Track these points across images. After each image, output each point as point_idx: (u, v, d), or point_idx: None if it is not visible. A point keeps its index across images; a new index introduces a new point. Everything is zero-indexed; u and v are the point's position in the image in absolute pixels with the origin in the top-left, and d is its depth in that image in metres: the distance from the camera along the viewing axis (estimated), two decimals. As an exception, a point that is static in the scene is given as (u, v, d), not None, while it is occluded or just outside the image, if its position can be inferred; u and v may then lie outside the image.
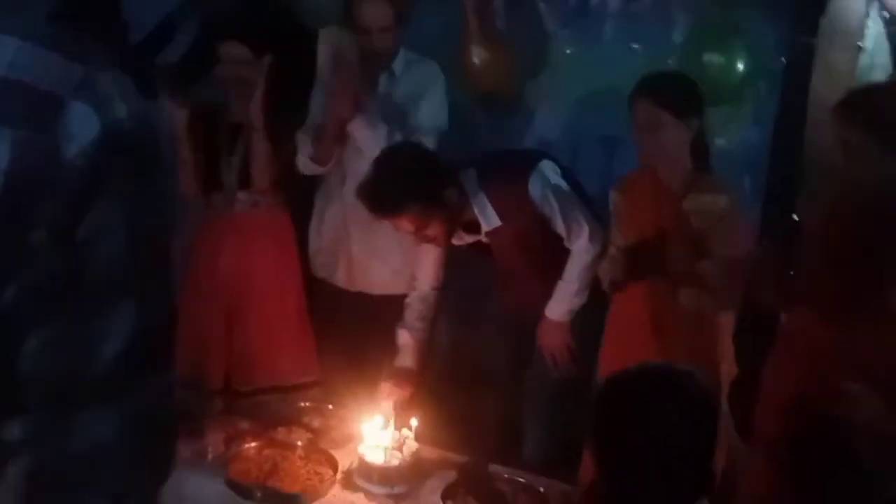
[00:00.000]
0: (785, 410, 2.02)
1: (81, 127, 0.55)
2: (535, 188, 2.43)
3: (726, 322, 2.48)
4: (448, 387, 2.74)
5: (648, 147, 2.32)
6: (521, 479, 2.19)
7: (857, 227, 1.88)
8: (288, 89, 2.71)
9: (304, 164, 2.74)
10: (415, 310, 2.63)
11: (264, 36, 2.66)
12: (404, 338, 2.60)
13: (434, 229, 2.42)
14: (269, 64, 2.60)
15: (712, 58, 2.76)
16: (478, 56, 2.92)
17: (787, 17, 2.74)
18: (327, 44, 2.66)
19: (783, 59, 2.78)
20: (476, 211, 2.46)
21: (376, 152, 2.54)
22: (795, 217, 2.78)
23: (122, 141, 0.57)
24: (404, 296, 2.68)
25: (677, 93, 2.32)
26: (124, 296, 0.59)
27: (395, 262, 2.76)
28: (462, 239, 2.58)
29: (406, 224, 2.39)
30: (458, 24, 2.95)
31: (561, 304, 2.50)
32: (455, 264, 2.66)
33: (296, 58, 2.68)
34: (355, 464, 2.17)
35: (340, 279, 2.84)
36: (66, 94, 0.55)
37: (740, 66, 2.78)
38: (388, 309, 2.71)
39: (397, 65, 2.77)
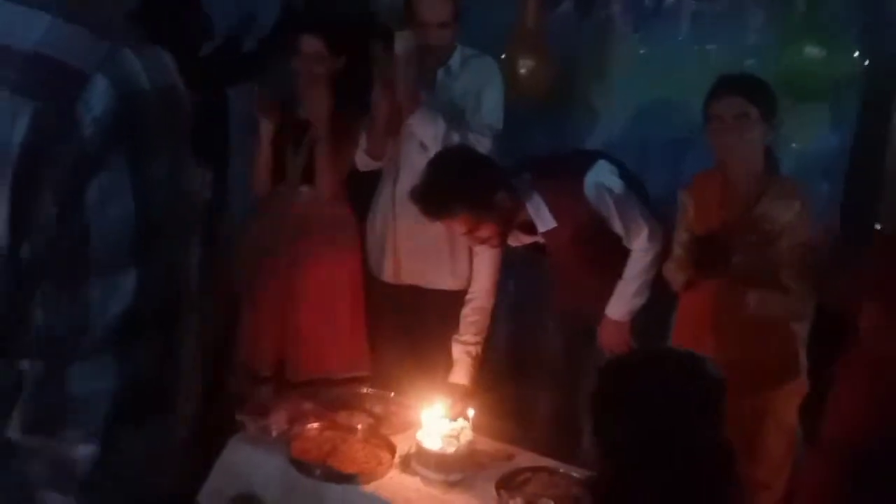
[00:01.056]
0: (856, 419, 1.97)
1: (99, 99, 0.58)
2: (590, 188, 2.43)
3: (800, 332, 2.42)
4: (506, 380, 2.76)
5: (730, 145, 2.28)
6: (574, 474, 2.19)
7: None
8: (357, 90, 2.77)
9: (360, 158, 2.80)
10: (470, 322, 2.65)
11: (342, 34, 2.73)
12: (458, 353, 2.63)
13: (486, 231, 2.44)
14: (344, 64, 2.67)
15: (795, 58, 2.71)
16: (523, 59, 2.94)
17: (872, 19, 2.66)
18: (402, 47, 2.71)
19: (866, 61, 2.70)
20: (531, 212, 2.48)
21: (436, 148, 2.60)
22: (878, 226, 2.69)
23: (139, 113, 0.60)
24: (453, 292, 2.72)
25: (762, 92, 2.29)
26: (127, 262, 0.62)
27: (442, 257, 2.77)
28: (519, 240, 2.60)
29: (458, 226, 2.44)
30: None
31: (621, 303, 2.49)
32: (515, 261, 2.68)
33: (367, 59, 2.73)
34: (413, 449, 2.21)
35: (387, 274, 2.84)
36: (89, 68, 0.58)
37: (824, 68, 2.71)
38: (437, 303, 2.75)
39: (454, 60, 2.78)
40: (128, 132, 0.60)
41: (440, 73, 2.79)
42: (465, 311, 2.67)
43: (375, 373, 2.82)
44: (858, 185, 2.80)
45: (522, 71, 2.98)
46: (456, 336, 2.66)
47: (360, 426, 2.31)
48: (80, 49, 0.59)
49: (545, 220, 2.47)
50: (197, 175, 0.66)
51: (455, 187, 2.36)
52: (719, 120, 2.28)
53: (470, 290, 2.69)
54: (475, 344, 2.64)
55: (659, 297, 2.48)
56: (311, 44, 2.69)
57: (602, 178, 2.44)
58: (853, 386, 2.02)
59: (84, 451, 0.64)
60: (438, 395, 2.39)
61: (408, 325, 2.81)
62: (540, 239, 2.55)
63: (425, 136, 2.69)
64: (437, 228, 2.58)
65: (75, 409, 0.64)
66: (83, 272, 0.61)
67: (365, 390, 2.58)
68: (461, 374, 2.62)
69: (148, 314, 0.64)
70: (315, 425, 2.32)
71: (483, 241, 2.51)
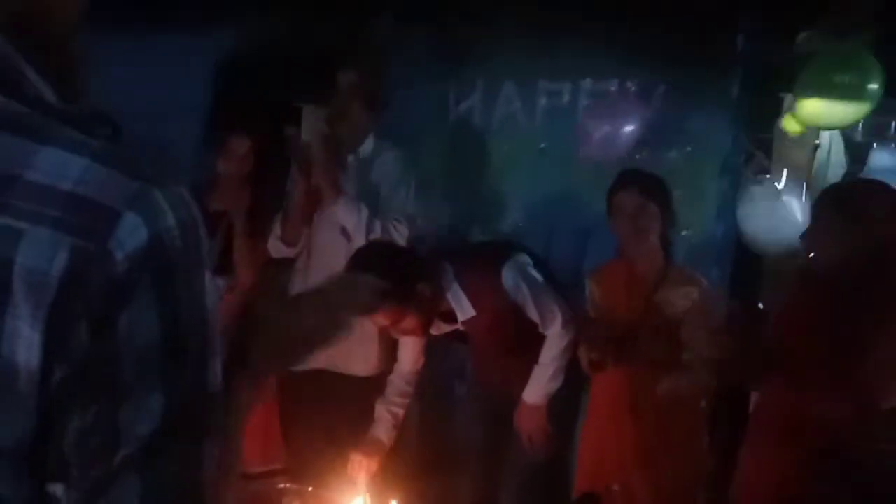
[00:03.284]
0: (766, 491, 2.06)
1: (130, 235, 0.63)
2: (507, 279, 2.51)
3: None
4: (425, 467, 2.76)
5: (631, 235, 2.44)
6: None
7: (827, 300, 2.00)
8: (272, 178, 2.79)
9: (274, 245, 2.79)
10: (395, 387, 2.68)
11: (263, 126, 2.76)
12: (380, 411, 2.65)
13: (409, 323, 2.48)
14: (257, 150, 2.69)
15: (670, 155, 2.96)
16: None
17: (745, 116, 2.94)
18: (309, 122, 2.75)
19: (742, 156, 2.97)
20: (451, 302, 2.54)
21: (360, 233, 2.65)
22: (760, 305, 2.90)
23: (166, 247, 0.64)
24: (365, 378, 2.73)
25: (658, 188, 2.46)
26: (154, 384, 0.65)
27: (352, 340, 2.74)
28: (440, 328, 2.64)
29: (381, 318, 2.46)
30: (430, 112, 3.08)
31: (537, 387, 2.56)
32: (433, 347, 2.73)
33: (279, 140, 2.75)
34: (334, 546, 2.18)
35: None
36: (121, 206, 0.63)
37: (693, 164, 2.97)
38: (351, 389, 2.75)
39: (365, 147, 2.84)
40: (156, 265, 0.64)
41: (350, 158, 2.83)
42: (391, 377, 2.69)
43: (291, 465, 2.75)
44: (743, 270, 3.03)
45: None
46: (380, 399, 2.66)
47: (278, 524, 2.26)
48: (113, 188, 0.63)
49: (465, 309, 2.54)
50: (214, 291, 0.70)
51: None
52: (620, 212, 2.44)
53: (396, 363, 2.70)
54: (398, 404, 2.66)
55: (569, 379, 2.56)
56: (240, 144, 2.70)
57: (519, 268, 2.53)
58: (758, 460, 2.13)
59: None
60: (353, 459, 2.44)
61: (322, 413, 2.77)
62: (460, 327, 2.61)
63: (349, 222, 2.71)
64: None
65: None
66: (113, 396, 0.64)
67: (283, 485, 2.52)
68: (381, 430, 2.62)
69: (172, 434, 0.67)
70: (231, 525, 2.23)
71: (406, 333, 2.55)
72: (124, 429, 0.65)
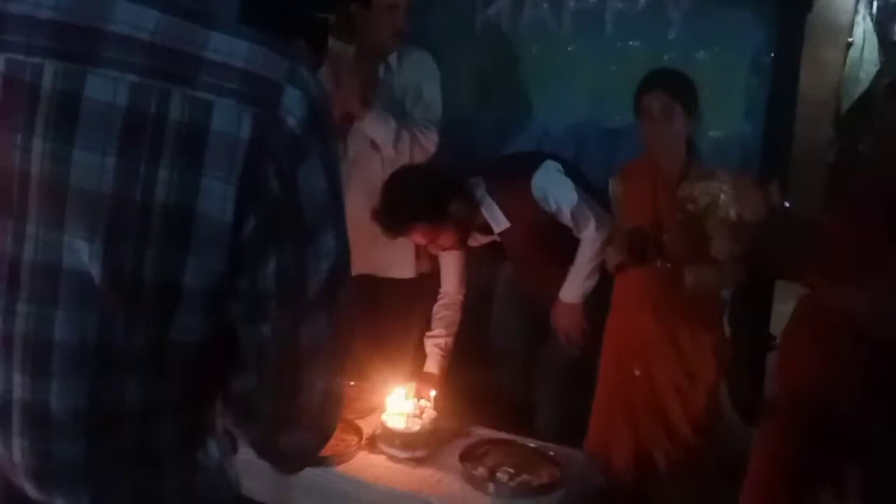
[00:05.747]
0: (811, 380, 2.12)
1: (296, 105, 0.75)
2: (537, 189, 2.59)
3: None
4: (465, 361, 2.88)
5: (656, 136, 2.47)
6: (531, 444, 2.35)
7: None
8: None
9: None
10: (440, 318, 2.79)
11: (289, 34, 2.78)
12: (428, 346, 2.78)
13: (446, 240, 2.58)
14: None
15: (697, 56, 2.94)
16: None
17: (774, 14, 2.90)
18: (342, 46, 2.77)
19: (771, 53, 2.96)
20: (486, 215, 2.63)
21: (389, 146, 2.71)
22: (787, 204, 2.95)
23: (319, 114, 0.77)
24: (405, 280, 2.85)
25: (686, 88, 2.48)
26: (328, 226, 0.79)
27: (391, 246, 2.82)
28: (477, 240, 2.74)
29: (419, 238, 2.57)
30: (458, 17, 3.06)
31: (574, 287, 2.66)
32: (474, 252, 2.81)
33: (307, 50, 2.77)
34: (379, 431, 2.33)
35: None
36: (283, 81, 0.75)
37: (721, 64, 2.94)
38: (391, 292, 2.87)
39: (393, 57, 2.87)
40: (318, 127, 0.77)
41: (381, 69, 2.87)
42: (436, 307, 2.81)
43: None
44: (771, 168, 3.06)
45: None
46: (428, 333, 2.79)
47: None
48: (273, 66, 0.75)
49: (499, 221, 2.63)
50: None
51: (411, 206, 2.48)
52: (647, 113, 2.47)
53: (441, 290, 2.82)
54: (445, 337, 2.78)
55: (601, 278, 2.66)
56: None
57: (549, 177, 2.60)
58: (802, 350, 2.20)
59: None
60: (398, 381, 2.51)
61: (363, 313, 2.89)
62: (497, 237, 2.70)
63: (377, 136, 2.78)
64: None
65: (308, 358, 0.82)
66: (300, 238, 0.77)
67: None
68: (432, 365, 2.76)
69: (343, 268, 0.82)
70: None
71: (444, 249, 2.65)
72: (310, 266, 0.78)
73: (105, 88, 0.71)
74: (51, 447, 0.78)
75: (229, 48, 0.74)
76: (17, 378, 0.77)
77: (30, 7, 0.73)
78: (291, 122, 0.74)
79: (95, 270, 0.73)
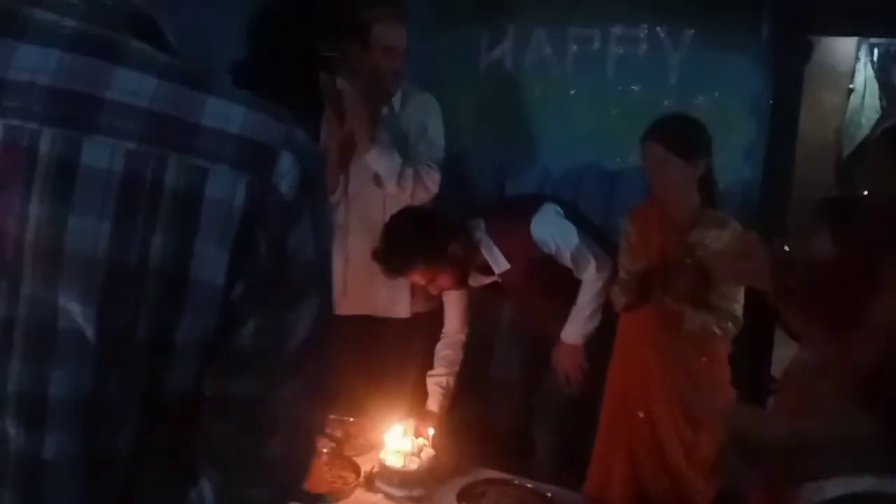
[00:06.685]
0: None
1: (289, 170, 0.76)
2: (537, 231, 2.62)
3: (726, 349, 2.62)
4: (466, 400, 2.88)
5: (658, 183, 2.51)
6: (528, 485, 2.34)
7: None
8: (304, 122, 2.88)
9: None
10: (443, 357, 2.80)
11: (294, 72, 2.82)
12: (430, 385, 2.79)
13: (444, 280, 2.61)
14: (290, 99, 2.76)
15: (697, 101, 3.00)
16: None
17: (773, 60, 2.95)
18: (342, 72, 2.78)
19: (770, 100, 3.00)
20: (486, 256, 2.65)
21: (392, 180, 2.75)
22: (786, 248, 2.96)
23: (312, 179, 0.78)
24: (403, 319, 2.85)
25: (685, 136, 2.49)
26: (312, 292, 0.80)
27: (390, 287, 2.84)
28: (477, 280, 2.76)
29: (418, 278, 2.60)
30: (462, 59, 3.11)
31: (575, 328, 2.67)
32: (476, 292, 2.83)
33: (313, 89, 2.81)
34: (376, 468, 2.32)
35: (340, 306, 2.82)
36: (278, 146, 0.76)
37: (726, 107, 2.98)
38: (389, 332, 2.88)
39: (397, 98, 2.91)
40: (311, 191, 0.78)
41: (384, 110, 2.90)
42: (438, 346, 2.82)
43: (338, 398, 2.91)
44: (770, 211, 3.09)
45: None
46: (429, 371, 2.80)
47: (324, 450, 2.40)
48: (268, 131, 0.77)
49: (499, 263, 2.65)
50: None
51: (410, 247, 2.52)
52: (646, 160, 2.51)
53: (443, 329, 2.83)
54: (446, 376, 2.79)
55: (603, 318, 2.67)
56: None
57: (548, 219, 2.63)
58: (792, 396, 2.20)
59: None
60: (396, 418, 2.51)
61: (363, 352, 2.88)
62: (497, 279, 2.72)
63: (381, 170, 2.81)
64: None
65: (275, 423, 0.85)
66: (284, 302, 0.79)
67: (326, 416, 2.67)
68: (433, 403, 2.76)
69: (323, 332, 0.83)
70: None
71: (443, 289, 2.67)
72: (288, 329, 0.80)
73: (102, 155, 0.72)
74: (44, 497, 0.79)
75: (226, 114, 0.75)
76: (12, 431, 0.77)
77: (29, 73, 0.73)
78: (284, 187, 0.76)
79: (90, 332, 0.74)
